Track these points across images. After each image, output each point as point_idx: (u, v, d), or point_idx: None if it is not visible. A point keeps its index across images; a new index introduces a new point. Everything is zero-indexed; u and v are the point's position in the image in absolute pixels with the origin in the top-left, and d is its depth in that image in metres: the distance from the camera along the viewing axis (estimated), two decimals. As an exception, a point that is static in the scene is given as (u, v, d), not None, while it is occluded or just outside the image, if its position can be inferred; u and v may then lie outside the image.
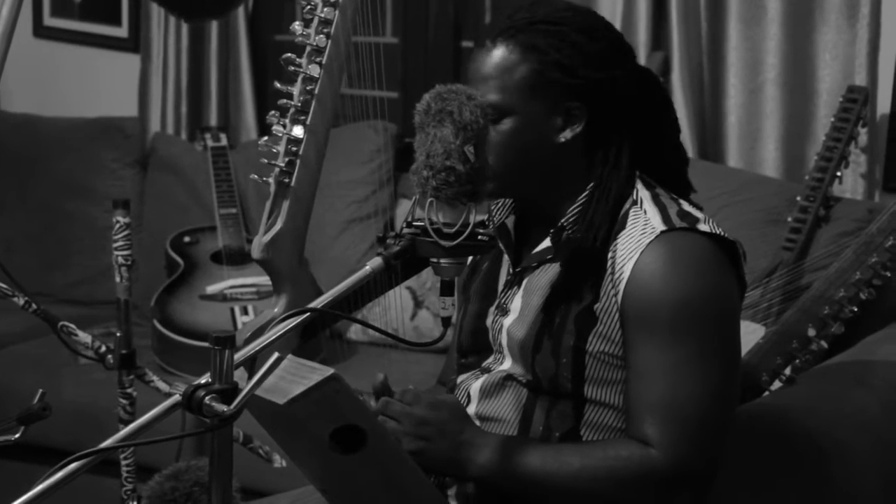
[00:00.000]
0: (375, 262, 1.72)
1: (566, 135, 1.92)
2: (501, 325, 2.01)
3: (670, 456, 1.81)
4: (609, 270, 1.87)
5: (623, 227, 1.89)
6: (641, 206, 1.91)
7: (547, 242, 1.96)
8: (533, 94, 1.89)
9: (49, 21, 4.59)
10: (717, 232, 1.87)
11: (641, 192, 1.94)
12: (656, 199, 1.92)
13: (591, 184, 1.94)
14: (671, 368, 1.82)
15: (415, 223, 1.75)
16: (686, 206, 1.93)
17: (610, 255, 1.88)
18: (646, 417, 1.83)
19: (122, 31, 4.49)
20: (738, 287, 1.91)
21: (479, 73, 1.90)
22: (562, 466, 1.84)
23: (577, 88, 1.90)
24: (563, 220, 1.94)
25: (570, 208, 1.94)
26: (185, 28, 4.29)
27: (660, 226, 1.86)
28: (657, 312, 1.83)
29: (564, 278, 1.92)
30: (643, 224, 1.88)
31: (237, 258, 3.79)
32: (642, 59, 3.59)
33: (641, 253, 1.84)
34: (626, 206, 1.92)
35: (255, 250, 1.93)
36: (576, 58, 1.90)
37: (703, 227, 1.87)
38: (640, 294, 1.84)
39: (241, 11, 4.20)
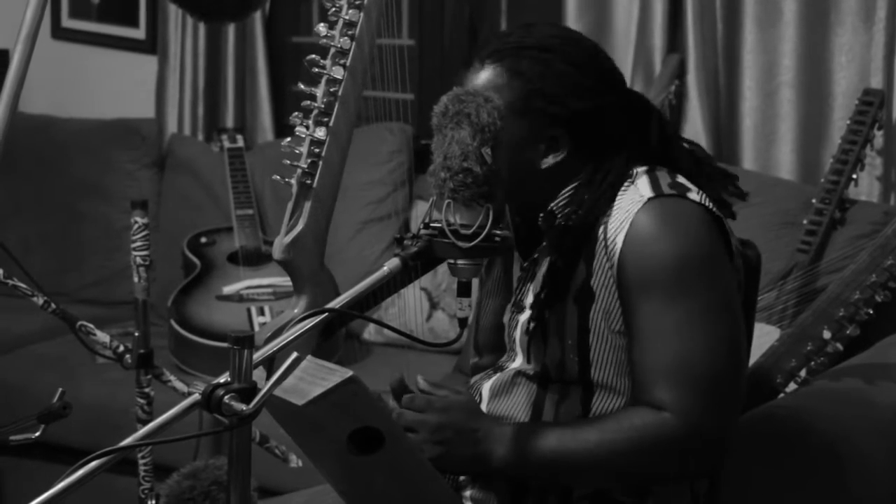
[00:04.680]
0: (393, 263, 1.73)
1: (548, 161, 1.94)
2: (517, 322, 2.02)
3: (685, 417, 1.81)
4: (601, 244, 1.88)
5: (613, 200, 1.90)
6: (634, 182, 1.92)
7: None
8: (516, 119, 1.89)
9: (67, 23, 4.61)
10: (707, 205, 1.88)
11: (639, 170, 1.94)
12: (650, 173, 1.93)
13: (579, 178, 1.94)
14: (675, 328, 1.82)
15: (432, 224, 1.75)
16: (681, 180, 1.93)
17: (601, 228, 1.88)
18: (656, 381, 1.83)
19: (139, 33, 4.50)
20: (728, 257, 1.90)
21: None
22: (579, 444, 1.84)
23: (561, 117, 1.91)
24: (552, 205, 1.95)
25: (562, 192, 1.95)
26: (202, 30, 4.30)
27: (648, 193, 1.87)
28: (654, 274, 1.83)
29: (559, 260, 1.93)
30: (632, 195, 1.89)
31: (254, 259, 3.80)
32: (658, 62, 3.60)
33: (632, 222, 1.85)
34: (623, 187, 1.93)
35: (277, 251, 1.93)
36: (560, 88, 1.91)
37: (692, 196, 1.88)
38: (635, 259, 1.84)
39: (258, 14, 4.20)
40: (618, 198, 1.90)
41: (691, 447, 1.83)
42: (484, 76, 1.92)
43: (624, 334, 1.89)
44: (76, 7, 4.59)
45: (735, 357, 1.86)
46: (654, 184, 1.89)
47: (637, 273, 1.84)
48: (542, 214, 1.95)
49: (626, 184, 1.92)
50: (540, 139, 1.92)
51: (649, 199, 1.86)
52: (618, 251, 1.86)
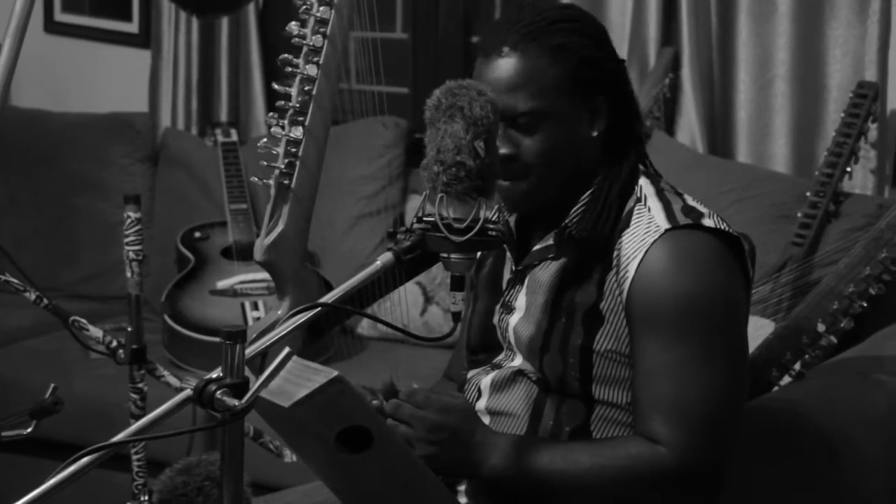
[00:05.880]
0: (386, 257, 1.72)
1: (597, 128, 1.94)
2: (508, 324, 2.01)
3: (679, 454, 1.81)
4: (614, 270, 1.87)
5: (627, 225, 1.89)
6: (645, 204, 1.91)
7: (548, 240, 1.96)
8: (567, 94, 1.89)
9: (60, 17, 4.60)
10: (722, 227, 1.87)
11: (646, 188, 1.94)
12: (661, 195, 1.92)
13: (594, 184, 1.94)
14: (678, 366, 1.82)
15: (425, 218, 1.75)
16: (690, 201, 1.92)
17: (615, 253, 1.88)
18: (654, 415, 1.83)
19: (132, 27, 4.49)
20: (744, 283, 1.91)
21: (503, 83, 1.87)
22: (571, 465, 1.84)
23: (602, 82, 1.92)
24: (566, 221, 1.94)
25: (574, 209, 1.94)
26: (195, 24, 4.29)
27: (664, 224, 1.86)
28: (662, 311, 1.83)
29: (568, 277, 1.92)
30: (647, 222, 1.88)
31: (247, 253, 3.79)
32: (652, 55, 3.59)
33: (646, 252, 1.84)
34: (630, 203, 1.92)
35: (258, 252, 1.93)
36: (598, 52, 1.93)
37: (707, 222, 1.87)
38: (646, 293, 1.84)
39: (251, 7, 4.20)
40: (633, 220, 1.89)
41: (682, 483, 1.83)
42: (522, 61, 1.89)
43: (629, 356, 1.89)
44: (69, 1, 4.58)
45: (732, 398, 1.86)
46: (668, 210, 1.88)
47: (643, 308, 1.84)
48: (555, 231, 1.95)
49: (633, 199, 1.91)
50: (585, 108, 1.92)
51: (666, 231, 1.85)
52: (629, 280, 1.85)
